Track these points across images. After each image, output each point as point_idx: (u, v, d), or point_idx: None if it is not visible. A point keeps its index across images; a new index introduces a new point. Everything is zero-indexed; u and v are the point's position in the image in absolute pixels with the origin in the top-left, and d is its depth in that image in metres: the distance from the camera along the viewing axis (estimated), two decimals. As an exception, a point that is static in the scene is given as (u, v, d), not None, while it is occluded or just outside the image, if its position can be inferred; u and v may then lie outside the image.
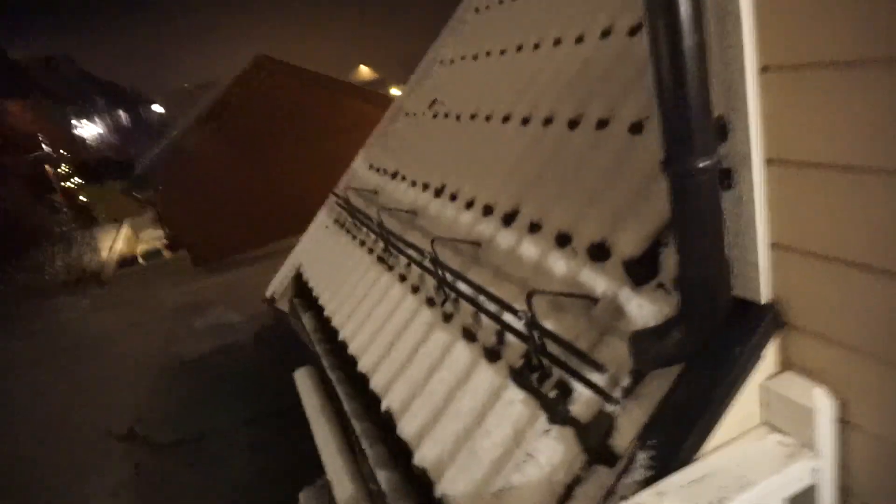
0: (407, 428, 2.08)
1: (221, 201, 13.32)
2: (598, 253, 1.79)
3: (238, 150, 13.46)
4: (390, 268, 2.91)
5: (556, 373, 1.68)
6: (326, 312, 3.19)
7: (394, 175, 3.64)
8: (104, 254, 15.40)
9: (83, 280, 13.97)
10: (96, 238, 16.68)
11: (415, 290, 2.61)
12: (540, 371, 1.73)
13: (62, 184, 24.02)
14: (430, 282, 2.51)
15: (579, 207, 1.99)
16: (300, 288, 4.01)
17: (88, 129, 36.65)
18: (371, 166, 4.14)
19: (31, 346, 10.24)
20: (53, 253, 15.46)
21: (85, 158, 27.48)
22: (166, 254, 14.38)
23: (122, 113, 40.43)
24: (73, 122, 35.02)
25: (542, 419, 1.65)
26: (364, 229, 3.41)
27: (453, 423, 1.93)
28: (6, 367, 9.39)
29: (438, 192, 2.97)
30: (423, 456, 1.94)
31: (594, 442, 1.46)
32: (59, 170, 24.91)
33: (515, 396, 1.78)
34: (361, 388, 2.64)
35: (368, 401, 2.56)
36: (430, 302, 2.45)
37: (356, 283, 3.10)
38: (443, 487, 1.79)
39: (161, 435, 5.04)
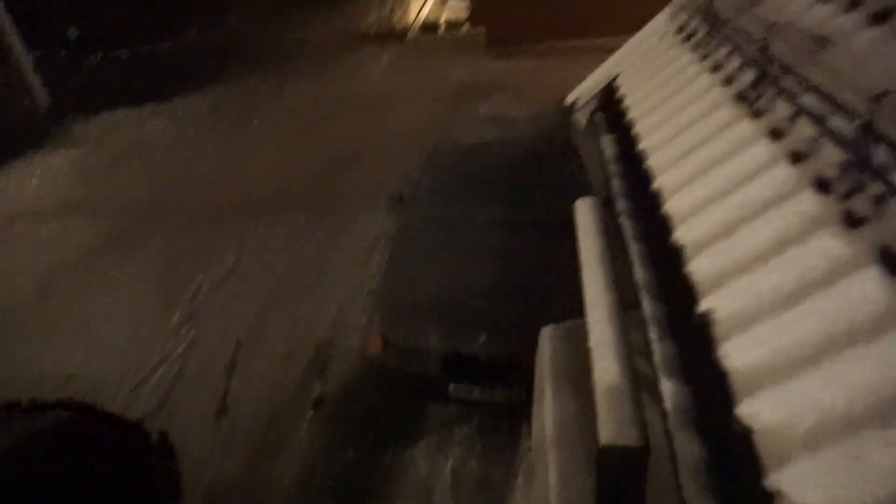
0: (737, 344, 1.44)
1: (531, -18, 12.34)
2: None
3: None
4: (756, 115, 2.05)
5: None
6: (641, 145, 2.49)
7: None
8: (411, 15, 15.71)
9: (388, 37, 14.54)
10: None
11: (796, 159, 1.78)
12: None
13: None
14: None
15: None
16: (607, 103, 3.30)
17: None
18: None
19: (336, 98, 11.06)
20: (366, 8, 16.09)
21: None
22: (466, 27, 14.18)
23: None
24: None
25: None
26: (727, 49, 2.50)
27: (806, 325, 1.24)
28: (315, 115, 10.35)
29: None
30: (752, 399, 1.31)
31: None
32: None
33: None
34: (661, 239, 2.02)
35: (666, 258, 1.95)
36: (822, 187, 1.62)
37: (693, 120, 2.31)
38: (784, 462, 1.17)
39: (418, 208, 5.03)
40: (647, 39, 3.34)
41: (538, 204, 4.86)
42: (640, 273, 2.10)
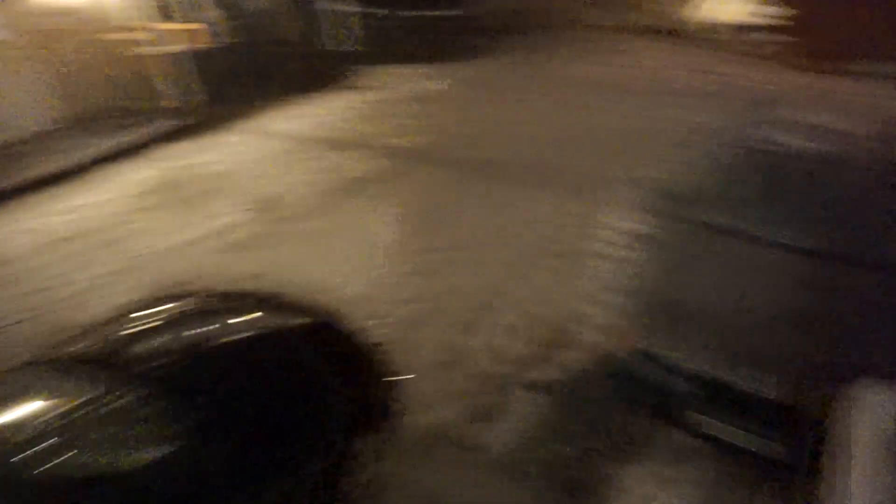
0: None
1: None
2: None
3: None
4: None
5: None
6: None
7: None
8: (694, 12, 14.21)
9: (668, 32, 13.56)
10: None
11: None
12: None
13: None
14: None
15: None
16: None
17: None
18: None
19: (606, 82, 10.71)
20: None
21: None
22: (760, 34, 12.42)
23: None
24: None
25: None
26: None
27: None
28: (585, 96, 10.10)
29: None
30: None
31: None
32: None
33: None
34: None
35: None
36: None
37: None
38: None
39: (695, 210, 4.44)
40: None
41: (864, 237, 3.95)
42: None
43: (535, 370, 4.40)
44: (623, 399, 4.04)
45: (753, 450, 3.36)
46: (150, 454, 2.53)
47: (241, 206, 7.13)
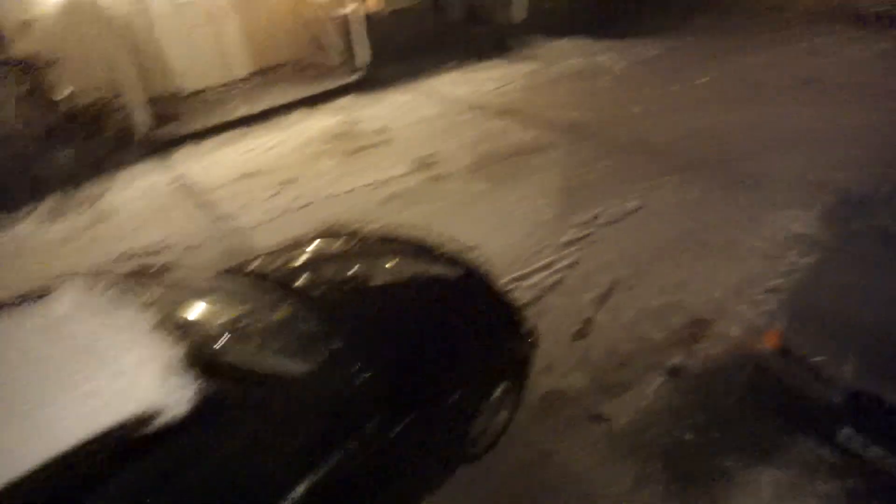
0: None
1: None
2: None
3: None
4: None
5: None
6: None
7: None
8: None
9: (881, 22, 11.93)
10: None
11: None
12: None
13: None
14: None
15: None
16: None
17: None
18: None
19: (806, 67, 9.82)
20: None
21: None
22: None
23: None
24: None
25: None
26: None
27: None
28: (764, 89, 9.37)
29: None
30: None
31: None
32: None
33: None
34: None
35: None
36: None
37: None
38: None
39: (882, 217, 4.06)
40: None
41: None
42: None
43: (670, 354, 4.30)
44: (759, 399, 3.85)
45: (889, 471, 3.10)
46: (299, 365, 2.85)
47: (403, 161, 7.53)
